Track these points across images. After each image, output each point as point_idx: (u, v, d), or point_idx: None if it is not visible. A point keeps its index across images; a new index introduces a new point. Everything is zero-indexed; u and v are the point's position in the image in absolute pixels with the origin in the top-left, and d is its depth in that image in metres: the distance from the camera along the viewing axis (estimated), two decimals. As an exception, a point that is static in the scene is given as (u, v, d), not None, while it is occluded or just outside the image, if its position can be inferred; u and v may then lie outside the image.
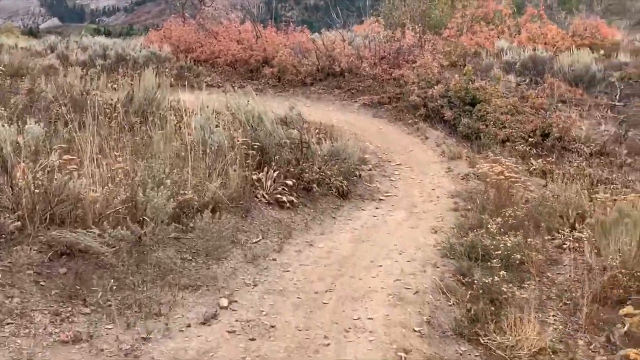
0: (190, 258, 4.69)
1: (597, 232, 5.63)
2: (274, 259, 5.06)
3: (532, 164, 10.02)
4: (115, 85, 12.03)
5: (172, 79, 15.95)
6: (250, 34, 19.37)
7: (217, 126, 6.84)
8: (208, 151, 5.90)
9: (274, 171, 6.09)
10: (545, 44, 19.62)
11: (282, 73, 16.39)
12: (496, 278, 4.59)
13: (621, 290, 4.66)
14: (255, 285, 4.62)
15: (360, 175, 8.43)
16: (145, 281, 4.31)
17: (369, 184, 8.34)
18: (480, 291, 4.58)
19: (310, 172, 6.59)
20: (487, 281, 4.61)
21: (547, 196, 6.63)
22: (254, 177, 5.80)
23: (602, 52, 17.08)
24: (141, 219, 4.59)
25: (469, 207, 6.85)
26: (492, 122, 11.36)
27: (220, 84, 16.32)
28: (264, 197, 5.68)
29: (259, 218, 5.48)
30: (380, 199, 7.72)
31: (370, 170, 9.29)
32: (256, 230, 5.42)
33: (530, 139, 10.91)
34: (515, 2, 27.44)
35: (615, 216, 5.23)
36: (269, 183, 5.90)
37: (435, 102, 12.38)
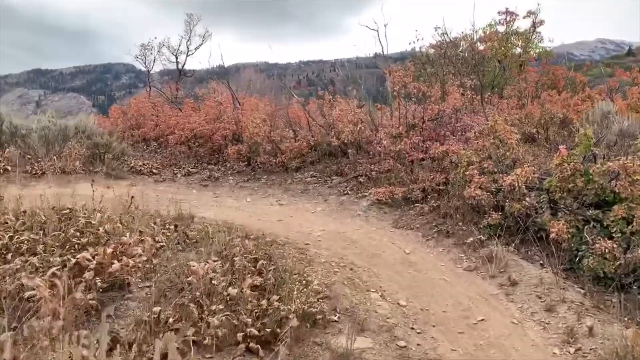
0: None
1: None
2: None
3: None
4: None
5: (78, 163, 10.18)
6: (232, 106, 13.76)
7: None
8: None
9: None
10: (654, 113, 13.19)
11: (254, 153, 10.40)
12: None
13: None
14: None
15: None
16: None
17: None
18: None
19: None
20: None
21: None
22: None
23: None
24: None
25: None
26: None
27: (155, 171, 10.39)
28: None
29: None
30: None
31: None
32: None
33: None
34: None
35: None
36: None
37: (521, 202, 5.97)
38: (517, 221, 5.99)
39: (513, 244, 5.80)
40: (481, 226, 6.21)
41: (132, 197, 6.08)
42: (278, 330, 3.84)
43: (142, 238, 5.33)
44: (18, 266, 4.42)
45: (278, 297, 4.30)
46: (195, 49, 18.18)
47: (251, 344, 3.76)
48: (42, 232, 5.25)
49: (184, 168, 10.62)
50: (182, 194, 9.41)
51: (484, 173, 6.70)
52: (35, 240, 5.01)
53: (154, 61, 18.15)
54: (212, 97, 14.94)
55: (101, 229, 5.32)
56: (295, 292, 4.20)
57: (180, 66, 18.53)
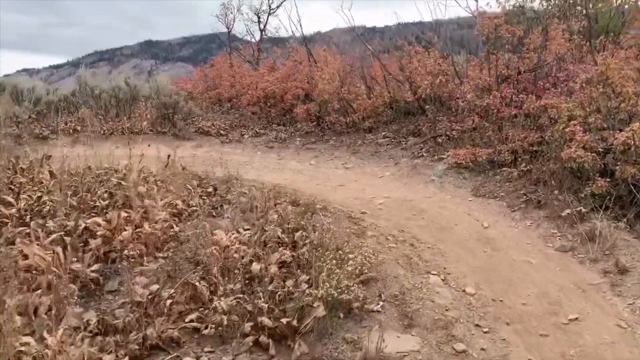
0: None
1: None
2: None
3: None
4: None
5: (146, 123, 9.97)
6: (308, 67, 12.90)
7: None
8: None
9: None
10: None
11: (323, 112, 9.57)
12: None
13: None
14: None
15: None
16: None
17: None
18: None
19: None
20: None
21: None
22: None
23: None
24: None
25: None
26: None
27: (223, 132, 9.91)
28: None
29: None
30: None
31: None
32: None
33: None
34: None
35: None
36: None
37: (638, 166, 4.64)
38: (630, 190, 4.68)
39: (624, 219, 4.52)
40: (582, 195, 4.95)
41: (169, 156, 5.51)
42: (295, 323, 3.03)
43: (171, 201, 4.77)
44: (28, 230, 4.02)
45: (307, 277, 3.52)
46: (277, 7, 17.46)
47: (262, 337, 3.02)
48: (71, 192, 4.87)
49: (252, 129, 10.07)
50: (246, 156, 8.87)
51: (590, 130, 5.36)
52: (59, 202, 4.62)
53: (234, 20, 17.69)
54: (291, 57, 14.22)
55: (132, 191, 4.83)
56: (324, 273, 3.36)
57: (262, 26, 17.96)
